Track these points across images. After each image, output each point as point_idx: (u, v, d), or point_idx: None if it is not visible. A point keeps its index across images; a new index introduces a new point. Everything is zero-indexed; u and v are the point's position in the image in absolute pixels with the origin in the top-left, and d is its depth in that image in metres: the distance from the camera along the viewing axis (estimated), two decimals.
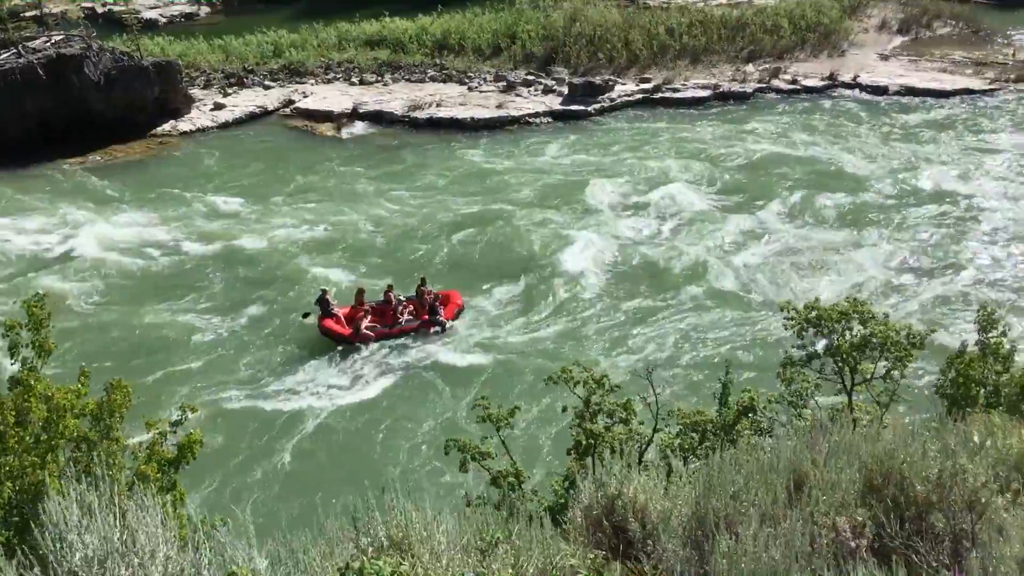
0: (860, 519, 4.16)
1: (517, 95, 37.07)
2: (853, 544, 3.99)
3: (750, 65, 39.35)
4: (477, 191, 28.59)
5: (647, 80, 37.91)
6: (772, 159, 30.27)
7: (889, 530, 4.25)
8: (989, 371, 12.25)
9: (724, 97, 36.52)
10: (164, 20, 52.18)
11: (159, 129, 34.23)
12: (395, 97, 37.19)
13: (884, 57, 40.58)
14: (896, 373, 12.28)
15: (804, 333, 12.64)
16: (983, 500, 4.18)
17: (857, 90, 36.58)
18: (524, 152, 31.88)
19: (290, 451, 16.98)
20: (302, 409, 18.21)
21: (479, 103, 36.23)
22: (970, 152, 30.30)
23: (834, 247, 24.46)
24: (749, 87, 37.14)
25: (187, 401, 9.84)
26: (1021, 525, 4.18)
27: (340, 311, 20.89)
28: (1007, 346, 12.62)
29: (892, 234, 25.07)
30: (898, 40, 42.89)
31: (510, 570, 3.84)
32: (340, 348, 20.33)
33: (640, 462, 10.73)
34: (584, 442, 11.52)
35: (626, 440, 11.39)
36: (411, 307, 21.31)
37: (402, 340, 20.64)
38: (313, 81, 39.84)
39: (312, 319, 20.85)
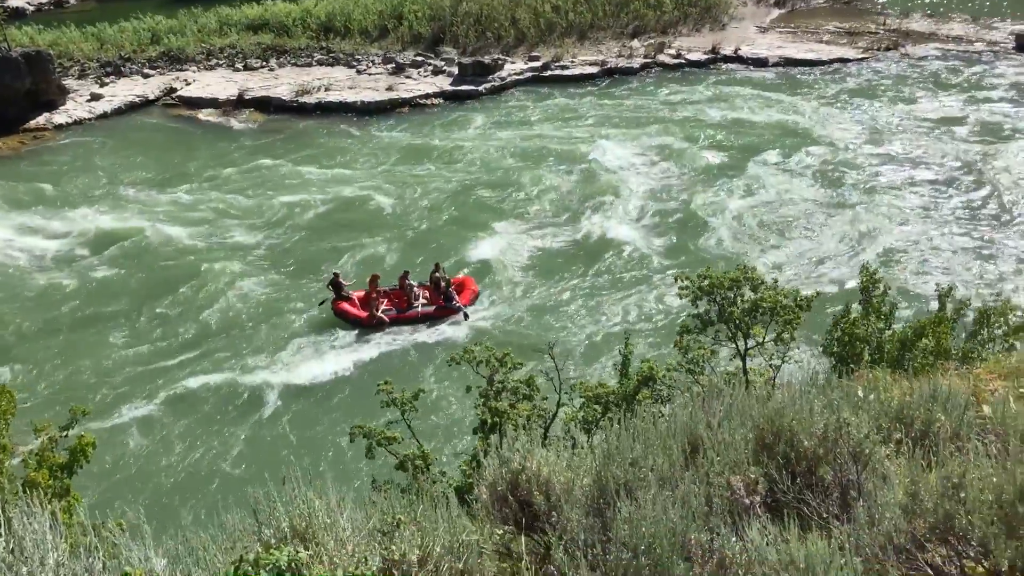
0: (753, 477, 4.30)
1: (407, 77, 36.77)
2: (747, 501, 4.13)
3: (636, 41, 39.94)
4: (381, 176, 28.26)
5: (536, 58, 38.08)
6: (680, 130, 30.73)
7: (781, 485, 4.42)
8: (872, 329, 12.80)
9: (612, 73, 36.98)
10: (32, 8, 49.96)
11: (32, 123, 32.77)
12: (282, 82, 36.44)
13: (763, 30, 41.71)
14: (786, 336, 12.73)
15: (698, 302, 12.98)
16: (867, 451, 4.38)
17: (739, 63, 37.51)
18: (421, 135, 31.68)
19: (200, 449, 16.58)
20: (228, 398, 17.85)
21: (369, 86, 35.80)
22: (853, 118, 31.40)
23: (737, 214, 25.02)
24: (636, 62, 37.69)
25: (78, 405, 9.48)
26: (903, 473, 4.40)
27: (355, 295, 21.09)
28: (888, 305, 13.24)
29: (783, 195, 25.84)
30: (775, 13, 44.14)
31: (416, 551, 3.85)
32: (355, 331, 20.36)
33: (545, 437, 10.90)
34: (489, 420, 11.62)
35: (531, 416, 11.55)
36: (426, 293, 21.32)
37: (417, 325, 20.69)
38: (195, 68, 38.71)
39: (326, 304, 20.87)
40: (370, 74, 37.31)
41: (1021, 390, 6.64)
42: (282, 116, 33.78)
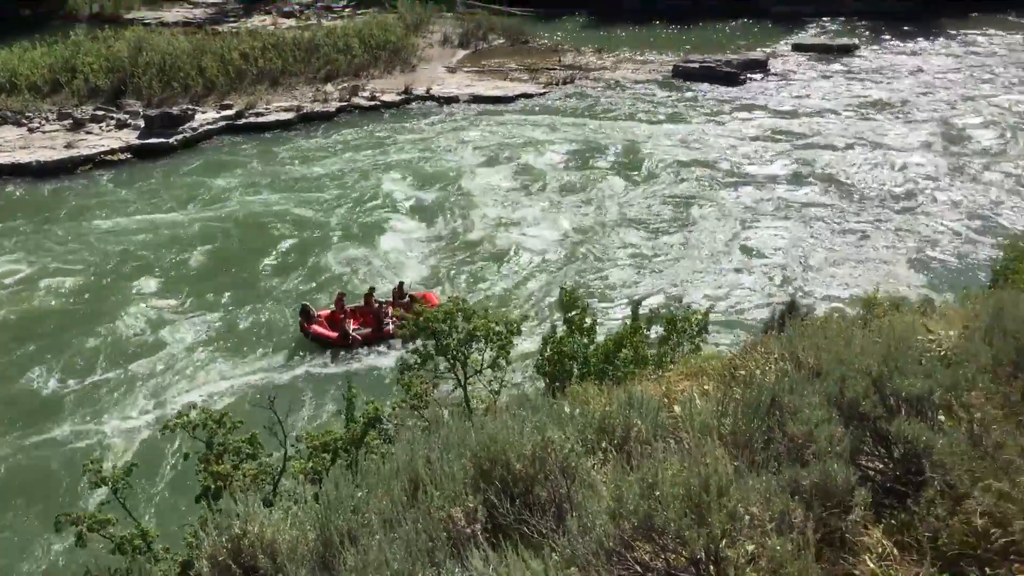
0: (472, 505, 4.45)
1: (88, 132, 34.40)
2: (468, 531, 4.27)
3: (329, 85, 40.02)
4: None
5: (228, 106, 37.06)
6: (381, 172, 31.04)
7: (501, 509, 4.60)
8: (578, 345, 13.62)
9: (309, 118, 36.75)
10: None
11: None
12: None
13: (451, 70, 43.32)
14: (502, 361, 13.26)
15: (416, 339, 13.22)
16: (574, 465, 4.67)
17: (431, 102, 38.67)
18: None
19: None
20: None
21: (44, 144, 33.11)
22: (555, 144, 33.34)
23: (471, 245, 25.88)
24: (332, 106, 37.73)
25: None
26: (608, 480, 4.73)
27: (320, 314, 21.47)
28: (589, 320, 14.17)
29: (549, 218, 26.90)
30: (461, 53, 45.98)
31: None
32: (325, 352, 20.59)
33: (275, 494, 10.57)
34: (213, 486, 11.13)
35: (257, 475, 11.17)
36: (390, 310, 21.53)
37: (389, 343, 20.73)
38: None
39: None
40: (45, 132, 34.53)
41: (705, 388, 7.31)
42: None
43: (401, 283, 22.65)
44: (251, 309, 22.61)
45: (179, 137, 33.94)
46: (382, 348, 20.89)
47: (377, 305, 21.57)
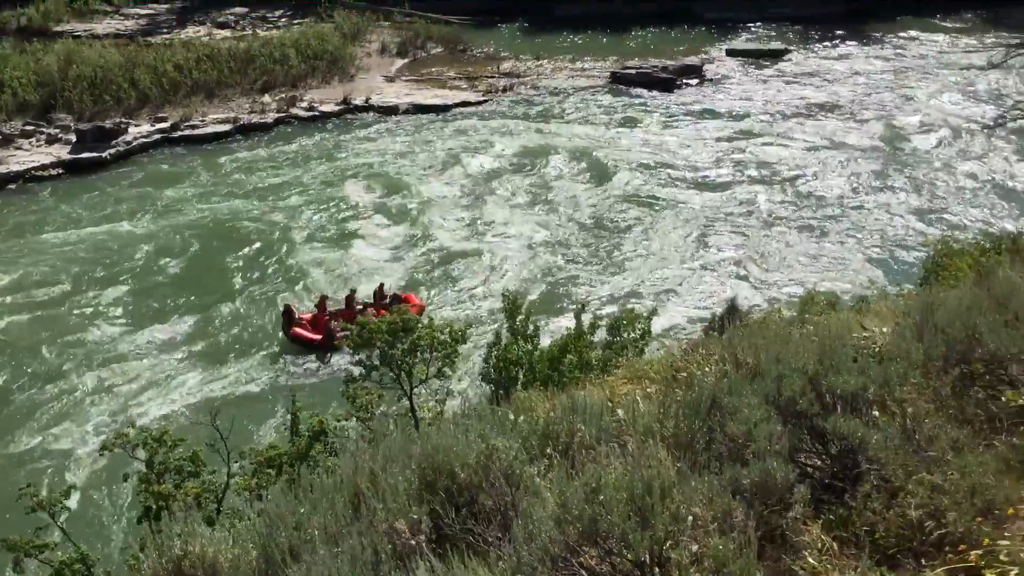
0: (416, 517, 4.43)
1: (17, 148, 33.57)
2: (413, 542, 4.25)
3: (267, 96, 39.60)
4: None
5: (163, 119, 36.46)
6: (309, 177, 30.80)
7: (447, 519, 4.58)
8: (523, 352, 13.65)
9: (246, 130, 36.32)
10: None
11: None
12: None
13: (390, 79, 43.15)
14: (447, 370, 13.23)
15: (360, 350, 13.13)
16: (518, 472, 4.68)
17: (371, 112, 38.46)
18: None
19: None
20: None
21: None
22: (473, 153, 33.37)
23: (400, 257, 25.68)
24: (270, 117, 37.36)
25: None
26: (553, 486, 4.74)
27: (303, 317, 21.55)
28: (532, 327, 14.21)
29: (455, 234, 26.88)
30: (399, 62, 45.81)
31: None
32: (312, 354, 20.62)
33: (219, 512, 10.41)
34: (155, 506, 10.95)
35: (200, 494, 11.00)
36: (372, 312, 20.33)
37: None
38: None
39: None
40: None
41: (648, 390, 7.36)
42: None
43: (381, 284, 22.76)
44: (218, 317, 22.44)
45: (112, 151, 33.28)
46: None
47: (360, 307, 21.39)
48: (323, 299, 22.05)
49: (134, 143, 34.20)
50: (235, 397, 19.35)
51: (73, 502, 12.31)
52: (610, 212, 28.51)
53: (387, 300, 21.58)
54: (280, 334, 21.44)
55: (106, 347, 21.27)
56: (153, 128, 35.64)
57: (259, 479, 11.11)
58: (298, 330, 21.16)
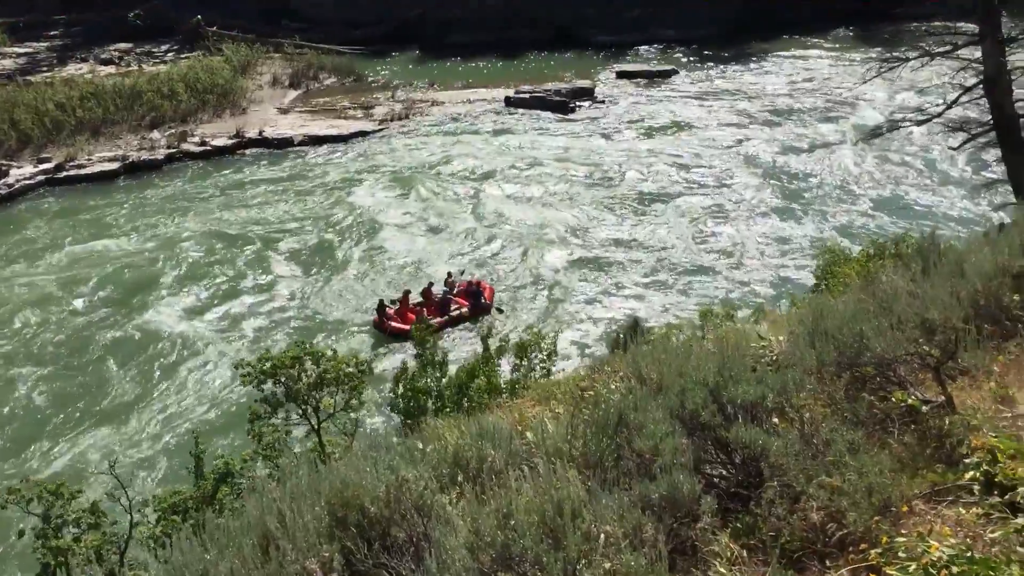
0: (328, 555, 4.35)
1: None
2: None
3: (155, 132, 38.67)
4: None
5: (47, 160, 35.20)
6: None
7: (359, 555, 4.51)
8: (432, 380, 13.60)
9: (136, 168, 35.34)
10: None
11: None
12: None
13: (284, 111, 42.64)
14: (355, 402, 13.05)
15: (263, 385, 12.83)
16: (429, 502, 4.64)
17: (264, 145, 37.86)
18: None
19: None
20: None
21: None
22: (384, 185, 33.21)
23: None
24: (160, 154, 36.50)
25: None
26: (465, 514, 4.72)
27: (390, 310, 23.26)
28: (440, 354, 14.17)
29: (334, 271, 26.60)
30: (292, 94, 45.33)
31: None
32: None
33: (122, 564, 10.02)
34: (52, 563, 10.53)
35: (101, 546, 10.61)
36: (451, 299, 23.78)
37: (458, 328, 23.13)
38: None
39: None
40: None
41: (556, 411, 7.41)
42: None
43: (449, 273, 24.93)
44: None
45: None
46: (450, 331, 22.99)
47: (440, 295, 23.85)
48: (407, 293, 23.82)
49: (16, 185, 32.98)
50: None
51: None
52: (508, 239, 28.74)
53: (466, 285, 24.18)
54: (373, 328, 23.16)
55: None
56: (36, 169, 34.40)
57: (164, 526, 10.79)
58: (391, 324, 22.83)
